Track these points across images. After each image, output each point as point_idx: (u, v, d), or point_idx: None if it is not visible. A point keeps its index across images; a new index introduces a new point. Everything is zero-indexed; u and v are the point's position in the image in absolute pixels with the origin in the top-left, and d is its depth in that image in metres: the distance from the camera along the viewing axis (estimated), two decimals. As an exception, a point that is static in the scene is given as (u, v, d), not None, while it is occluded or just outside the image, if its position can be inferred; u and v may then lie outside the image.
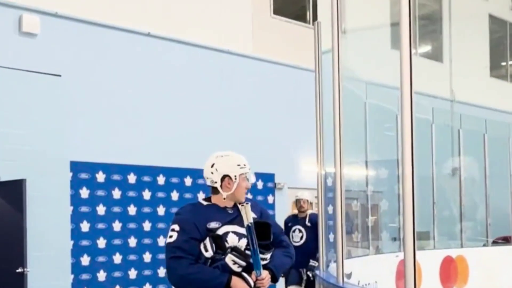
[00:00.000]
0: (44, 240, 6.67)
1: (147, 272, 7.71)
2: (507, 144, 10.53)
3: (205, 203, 3.28)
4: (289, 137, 9.17)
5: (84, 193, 7.26)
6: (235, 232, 3.17)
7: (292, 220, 7.45)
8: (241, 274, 3.11)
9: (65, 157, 7.03)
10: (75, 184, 7.16)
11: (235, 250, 3.11)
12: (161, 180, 7.95)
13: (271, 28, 9.65)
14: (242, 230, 3.15)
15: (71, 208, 7.10)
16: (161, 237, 7.86)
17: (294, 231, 7.26)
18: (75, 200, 7.15)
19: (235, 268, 3.10)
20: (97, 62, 7.52)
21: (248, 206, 3.13)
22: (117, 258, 7.45)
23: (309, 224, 7.19)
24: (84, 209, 7.23)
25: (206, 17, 8.72)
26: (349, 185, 8.21)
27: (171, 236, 3.11)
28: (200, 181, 8.31)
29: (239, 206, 3.19)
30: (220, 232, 3.13)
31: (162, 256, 7.84)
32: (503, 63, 14.73)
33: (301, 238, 7.21)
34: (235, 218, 3.21)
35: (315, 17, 9.89)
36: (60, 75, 7.04)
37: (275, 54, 9.39)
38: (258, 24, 9.45)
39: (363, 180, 8.83)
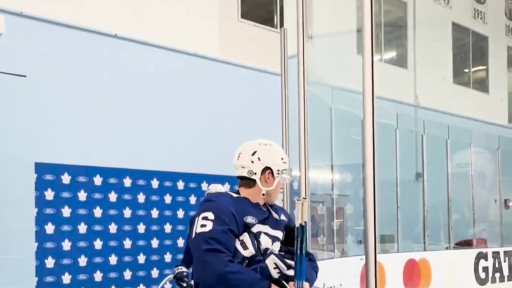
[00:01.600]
0: (8, 242, 6.57)
1: (113, 275, 7.67)
2: (468, 150, 10.77)
3: (234, 195, 2.81)
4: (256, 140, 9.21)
5: (49, 194, 7.19)
6: (267, 234, 2.71)
7: None
8: (280, 282, 2.63)
9: (29, 158, 6.94)
10: (40, 186, 7.09)
11: (288, 252, 2.68)
12: (127, 182, 7.92)
13: (238, 32, 9.70)
14: (274, 233, 2.74)
15: (36, 210, 7.01)
16: (127, 239, 7.83)
17: None
18: (40, 202, 7.07)
19: (274, 273, 2.63)
20: (63, 63, 7.46)
21: (306, 202, 2.66)
22: (82, 261, 7.40)
23: None
24: (49, 211, 7.16)
25: (174, 20, 8.72)
26: (315, 189, 8.31)
27: (204, 225, 2.59)
28: (167, 184, 8.31)
29: (296, 202, 2.65)
30: (254, 230, 2.68)
31: (128, 258, 7.82)
32: (466, 70, 15.03)
33: None
34: (267, 218, 2.76)
35: (282, 22, 9.97)
36: (25, 76, 6.94)
37: (242, 58, 9.43)
38: (226, 27, 9.48)
39: (329, 184, 8.93)
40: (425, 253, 9.05)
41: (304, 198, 2.68)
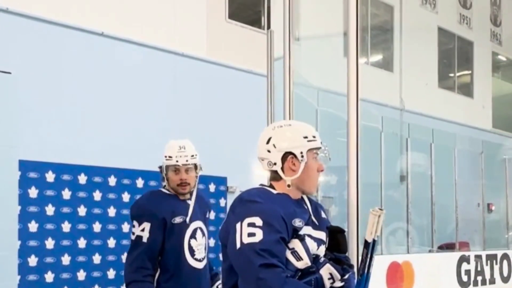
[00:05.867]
0: (-10, 240, 6.54)
1: (96, 274, 7.63)
2: (452, 154, 10.85)
3: (274, 191, 2.36)
4: (242, 141, 9.21)
5: (33, 192, 7.15)
6: (310, 236, 2.33)
7: (170, 201, 3.62)
8: None
9: (13, 156, 6.91)
10: (24, 184, 7.04)
11: (332, 259, 2.35)
12: (112, 181, 7.89)
13: (225, 32, 9.71)
14: (318, 235, 2.38)
15: (19, 207, 6.97)
16: (111, 238, 7.80)
17: (193, 235, 3.67)
18: (24, 199, 7.03)
19: (327, 284, 2.30)
20: (49, 60, 7.43)
21: (383, 214, 2.28)
22: (66, 260, 7.36)
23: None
24: (32, 209, 7.12)
25: (161, 19, 8.71)
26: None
27: (252, 234, 2.17)
28: (152, 183, 8.29)
29: (371, 214, 2.30)
30: (301, 234, 2.30)
31: (112, 257, 7.79)
32: (451, 75, 15.15)
33: (204, 251, 3.73)
34: (310, 216, 2.38)
35: (269, 23, 10.00)
36: (10, 73, 6.92)
37: (229, 58, 9.44)
38: (213, 27, 9.49)
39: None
40: (408, 256, 9.11)
41: (381, 209, 2.30)
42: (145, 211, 3.50)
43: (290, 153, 2.34)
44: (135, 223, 3.49)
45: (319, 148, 2.42)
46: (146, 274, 3.43)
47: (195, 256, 3.57)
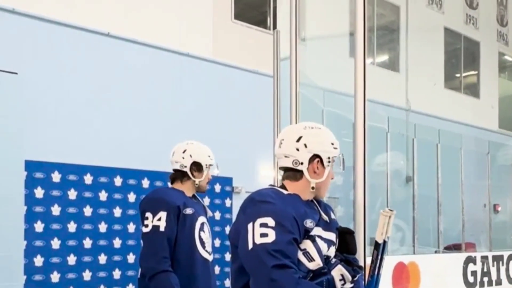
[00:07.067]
0: (-4, 240, 6.55)
1: (102, 274, 7.64)
2: (459, 154, 10.80)
3: (284, 191, 2.36)
4: (247, 141, 9.23)
5: (39, 193, 7.16)
6: (320, 237, 2.32)
7: (180, 194, 3.65)
8: None
9: (20, 156, 6.92)
10: (30, 184, 7.06)
11: (342, 260, 2.34)
12: (118, 181, 7.90)
13: (231, 33, 9.70)
14: (328, 236, 2.36)
15: (25, 207, 6.99)
16: (117, 238, 7.81)
17: (202, 228, 3.66)
18: (30, 199, 7.05)
19: (339, 285, 2.29)
20: (55, 60, 7.45)
21: (393, 215, 2.32)
22: (71, 260, 7.37)
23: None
24: (38, 209, 7.14)
25: (167, 19, 8.72)
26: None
27: (265, 235, 2.15)
28: (158, 183, 8.30)
29: (381, 215, 2.33)
30: (311, 235, 2.30)
31: (117, 258, 7.80)
32: (457, 75, 15.10)
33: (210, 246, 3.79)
34: (319, 218, 2.37)
35: (275, 24, 9.99)
36: (16, 73, 6.93)
37: (235, 59, 9.44)
38: (219, 28, 9.49)
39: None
40: (414, 257, 9.07)
41: (391, 210, 2.33)
42: (160, 201, 3.50)
43: (318, 156, 2.36)
44: (148, 215, 3.46)
45: (335, 157, 2.45)
46: (169, 264, 3.40)
47: (206, 248, 3.58)
